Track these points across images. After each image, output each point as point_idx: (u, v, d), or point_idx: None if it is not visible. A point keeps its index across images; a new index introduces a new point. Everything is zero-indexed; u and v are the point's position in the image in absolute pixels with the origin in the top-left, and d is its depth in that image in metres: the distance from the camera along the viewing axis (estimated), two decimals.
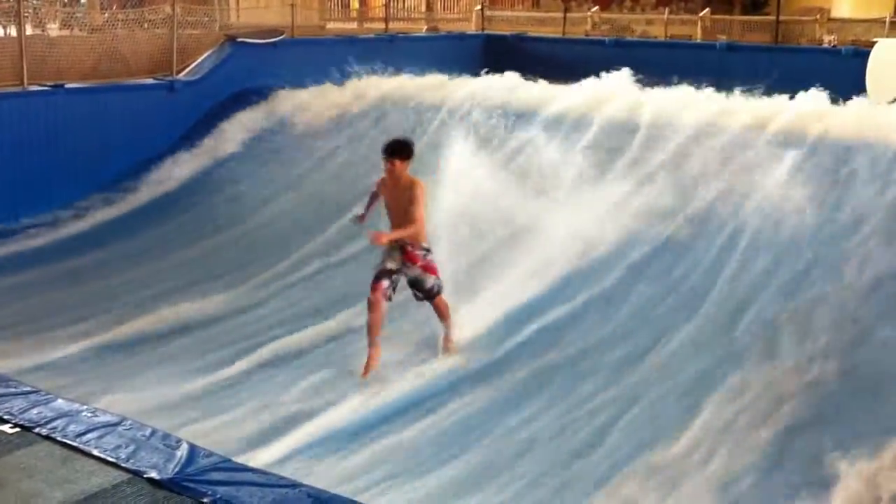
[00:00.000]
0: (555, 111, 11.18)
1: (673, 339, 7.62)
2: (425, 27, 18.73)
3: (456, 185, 8.46)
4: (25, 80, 11.70)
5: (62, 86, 11.94)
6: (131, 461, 5.85)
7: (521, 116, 11.33)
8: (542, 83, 12.08)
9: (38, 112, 11.53)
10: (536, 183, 9.69)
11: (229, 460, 5.89)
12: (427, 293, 7.58)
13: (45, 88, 11.81)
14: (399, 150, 7.44)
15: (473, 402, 7.10)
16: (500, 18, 21.59)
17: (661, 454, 6.26)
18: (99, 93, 12.34)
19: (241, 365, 7.69)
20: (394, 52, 15.85)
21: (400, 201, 7.37)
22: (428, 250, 7.54)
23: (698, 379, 7.08)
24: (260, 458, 6.08)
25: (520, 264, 8.68)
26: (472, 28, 19.79)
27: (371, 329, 7.33)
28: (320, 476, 6.00)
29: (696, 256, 8.54)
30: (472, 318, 7.94)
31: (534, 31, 20.43)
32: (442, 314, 7.71)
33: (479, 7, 20.18)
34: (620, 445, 6.44)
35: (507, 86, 12.17)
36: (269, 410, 6.89)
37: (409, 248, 7.46)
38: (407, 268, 7.47)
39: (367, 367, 7.31)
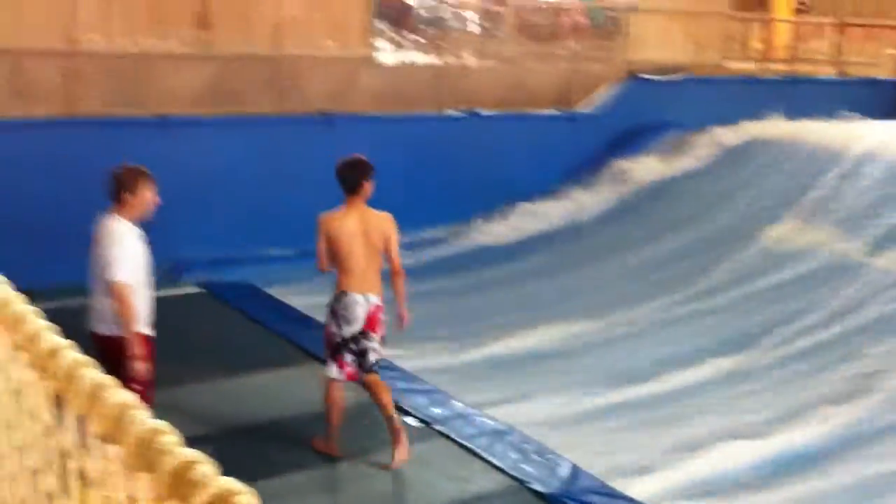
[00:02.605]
0: None
1: None
2: (833, 70, 17.93)
3: None
4: (444, 105, 12.81)
5: (476, 112, 12.94)
6: (517, 470, 6.29)
7: None
8: None
9: (453, 135, 12.55)
10: None
11: (610, 487, 6.14)
12: (367, 367, 6.18)
13: (461, 114, 12.85)
14: (367, 170, 6.12)
15: None
16: None
17: None
18: (507, 121, 13.18)
19: (630, 392, 7.83)
20: (798, 95, 15.36)
21: (370, 239, 6.11)
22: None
23: None
24: (635, 489, 6.23)
25: None
26: (883, 73, 18.64)
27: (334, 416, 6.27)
28: None
29: None
30: None
31: None
32: (384, 399, 6.21)
33: (894, 51, 19.00)
34: None
35: None
36: (653, 442, 6.99)
37: (376, 309, 6.19)
38: (364, 337, 6.15)
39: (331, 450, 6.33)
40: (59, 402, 0.89)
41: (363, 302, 6.17)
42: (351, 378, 6.25)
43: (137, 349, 5.23)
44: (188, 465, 0.69)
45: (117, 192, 5.33)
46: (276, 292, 9.69)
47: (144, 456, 0.71)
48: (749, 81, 16.01)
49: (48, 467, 0.93)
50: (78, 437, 0.87)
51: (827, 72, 17.76)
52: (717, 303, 9.75)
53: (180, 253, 9.65)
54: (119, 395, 0.79)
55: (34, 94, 10.08)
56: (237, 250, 10.38)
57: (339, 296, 6.18)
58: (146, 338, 5.37)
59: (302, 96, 11.77)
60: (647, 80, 14.61)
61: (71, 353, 0.87)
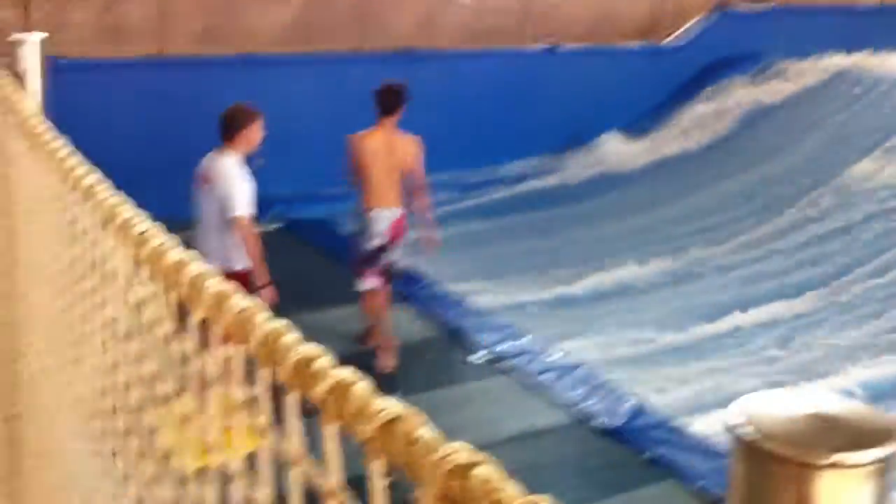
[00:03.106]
0: None
1: None
2: None
3: None
4: (528, 38, 12.76)
5: (556, 47, 12.85)
6: (582, 406, 6.44)
7: None
8: None
9: (534, 70, 12.52)
10: None
11: (672, 422, 6.23)
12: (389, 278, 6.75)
13: (543, 49, 12.79)
14: (404, 97, 6.62)
15: None
16: None
17: None
18: (588, 56, 13.06)
19: (697, 331, 7.84)
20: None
21: (392, 158, 6.56)
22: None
23: None
24: (699, 425, 6.30)
25: None
26: None
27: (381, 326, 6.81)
28: None
29: None
30: None
31: None
32: (383, 314, 6.83)
33: None
34: None
35: None
36: (715, 379, 7.03)
37: (397, 221, 6.64)
38: (386, 249, 6.65)
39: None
40: (181, 310, 1.04)
41: (384, 217, 6.56)
42: (380, 287, 6.69)
43: (262, 278, 5.54)
44: (310, 359, 0.84)
45: (232, 130, 5.57)
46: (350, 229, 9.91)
47: (269, 352, 0.86)
48: (847, 10, 15.40)
49: (167, 371, 1.08)
50: (199, 342, 1.02)
51: None
52: (793, 241, 9.62)
53: (262, 190, 9.94)
54: (243, 300, 0.94)
55: (125, 32, 10.39)
56: (316, 187, 10.61)
57: (363, 213, 6.63)
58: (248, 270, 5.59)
59: (385, 33, 11.86)
60: (738, 10, 14.24)
61: (196, 264, 1.01)
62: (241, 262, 5.54)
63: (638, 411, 6.37)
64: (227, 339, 0.92)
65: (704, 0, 14.39)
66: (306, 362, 0.81)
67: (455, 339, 7.47)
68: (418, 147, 6.68)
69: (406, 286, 8.18)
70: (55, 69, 9.44)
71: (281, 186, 9.94)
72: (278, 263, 8.91)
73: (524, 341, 7.36)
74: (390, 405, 0.77)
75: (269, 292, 5.50)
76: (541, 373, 6.89)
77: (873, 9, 15.77)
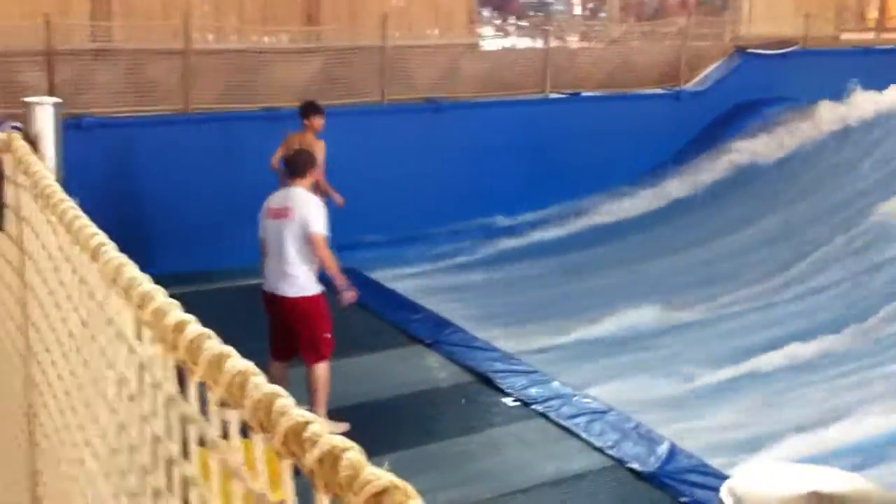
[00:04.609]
0: None
1: None
2: None
3: None
4: (548, 88, 12.84)
5: (579, 94, 12.92)
6: (615, 449, 6.37)
7: None
8: None
9: (558, 117, 12.58)
10: None
11: (708, 465, 6.15)
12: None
13: (564, 96, 12.86)
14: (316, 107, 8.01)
15: None
16: None
17: None
18: (610, 101, 13.12)
19: (725, 373, 7.80)
20: None
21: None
22: None
23: None
24: (734, 469, 6.21)
25: None
26: None
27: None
28: None
29: None
30: None
31: None
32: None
33: None
34: None
35: None
36: (750, 421, 6.95)
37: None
38: None
39: None
40: (181, 373, 1.03)
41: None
42: None
43: (341, 281, 6.28)
44: (302, 425, 0.82)
45: (300, 168, 6.26)
46: (376, 277, 9.95)
47: (262, 417, 0.85)
48: (863, 52, 15.45)
49: (169, 435, 1.07)
50: (198, 405, 1.01)
51: None
52: (823, 281, 9.54)
53: None
54: (240, 363, 0.93)
55: (152, 91, 10.56)
56: (339, 236, 10.68)
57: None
58: (323, 292, 6.28)
59: (408, 84, 11.98)
60: (756, 54, 14.28)
61: (195, 326, 1.00)
62: (314, 289, 6.19)
63: (672, 455, 6.30)
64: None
65: (722, 46, 14.47)
66: (299, 428, 0.80)
67: (485, 383, 7.44)
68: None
69: (434, 333, 8.20)
70: (81, 127, 9.62)
71: None
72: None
73: (554, 385, 7.33)
74: (380, 476, 0.75)
75: (351, 293, 6.34)
76: (572, 417, 6.84)
77: (892, 49, 15.80)
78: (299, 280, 6.11)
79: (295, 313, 6.14)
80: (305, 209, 6.11)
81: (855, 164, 11.97)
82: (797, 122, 13.24)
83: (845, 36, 16.10)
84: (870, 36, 16.62)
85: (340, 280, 6.29)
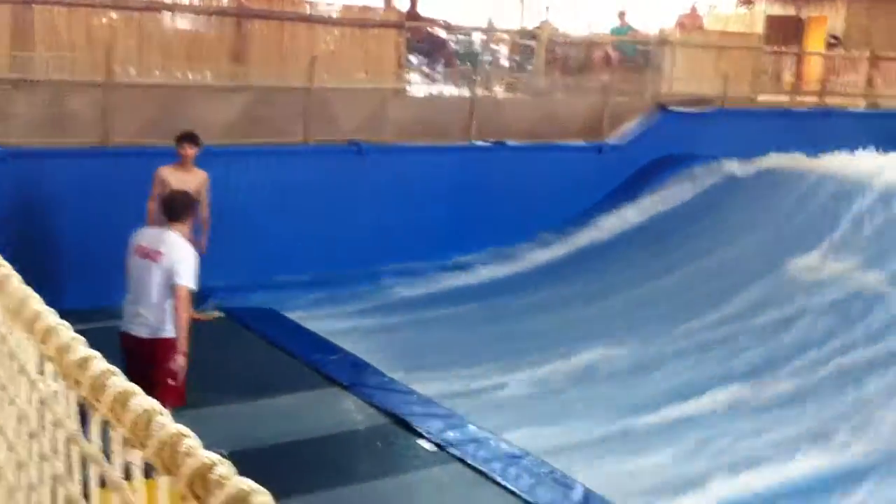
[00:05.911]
0: None
1: None
2: (863, 103, 17.87)
3: None
4: (473, 136, 12.98)
5: (504, 143, 13.08)
6: (530, 494, 6.37)
7: None
8: None
9: (482, 165, 12.70)
10: None
11: None
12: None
13: (489, 144, 13.01)
14: (189, 135, 7.95)
15: None
16: None
17: None
18: (535, 151, 13.31)
19: (647, 419, 7.88)
20: (828, 127, 15.35)
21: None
22: None
23: None
24: None
25: None
26: None
27: None
28: None
29: None
30: None
31: None
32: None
33: None
34: None
35: None
36: (666, 469, 7.02)
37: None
38: None
39: None
40: (84, 410, 0.99)
41: None
42: None
43: (182, 342, 5.94)
44: (208, 467, 0.79)
45: (179, 212, 6.04)
46: (295, 317, 9.86)
47: (167, 458, 0.82)
48: (780, 114, 16.00)
49: (69, 474, 1.03)
50: (101, 444, 0.97)
51: (859, 104, 17.72)
52: (735, 329, 9.76)
53: (202, 279, 9.91)
54: (145, 401, 0.90)
55: (71, 123, 10.36)
56: (261, 276, 10.59)
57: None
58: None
59: (332, 126, 11.97)
60: (676, 112, 14.66)
61: (99, 363, 0.97)
62: (171, 331, 5.95)
63: (586, 499, 6.34)
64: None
65: (643, 103, 14.83)
66: (204, 470, 0.79)
67: (402, 426, 7.39)
68: None
69: (351, 375, 8.14)
70: None
71: (226, 274, 9.89)
72: (221, 350, 8.87)
73: (471, 429, 7.32)
74: None
75: (184, 360, 5.95)
76: (488, 461, 6.83)
77: (811, 112, 16.40)
78: (155, 322, 5.91)
79: (147, 355, 5.82)
80: (176, 257, 5.88)
81: (763, 219, 12.30)
82: (710, 176, 13.60)
83: (762, 97, 16.64)
84: (785, 98, 17.22)
85: (183, 341, 5.95)
